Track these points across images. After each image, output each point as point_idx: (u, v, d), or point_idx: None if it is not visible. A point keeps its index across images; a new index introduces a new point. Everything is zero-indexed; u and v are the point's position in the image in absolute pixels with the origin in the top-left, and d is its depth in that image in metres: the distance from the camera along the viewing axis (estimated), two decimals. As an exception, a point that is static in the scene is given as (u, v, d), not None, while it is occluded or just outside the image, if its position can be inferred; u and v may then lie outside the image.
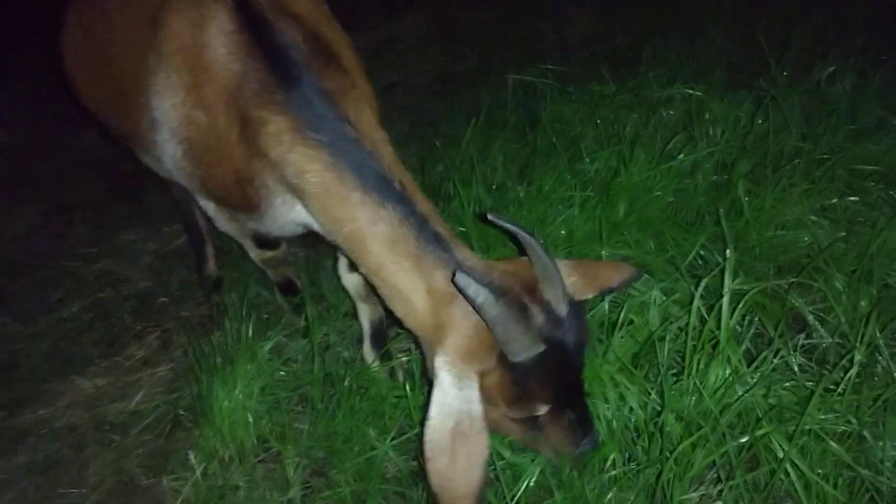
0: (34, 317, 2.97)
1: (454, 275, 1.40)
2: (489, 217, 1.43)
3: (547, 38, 4.16)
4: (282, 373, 2.34)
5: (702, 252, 2.19)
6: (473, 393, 1.47)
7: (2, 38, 5.43)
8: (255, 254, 2.39)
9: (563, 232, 2.37)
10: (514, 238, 1.74)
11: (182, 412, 2.35)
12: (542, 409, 1.59)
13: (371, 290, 2.32)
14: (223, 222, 2.17)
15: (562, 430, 1.65)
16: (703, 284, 1.81)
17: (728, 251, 1.80)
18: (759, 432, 1.65)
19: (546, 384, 1.54)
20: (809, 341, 1.99)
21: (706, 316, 1.85)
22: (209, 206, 2.13)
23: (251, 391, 2.22)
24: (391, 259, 1.59)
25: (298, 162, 1.61)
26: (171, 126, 1.84)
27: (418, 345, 1.85)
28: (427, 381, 1.78)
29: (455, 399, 1.46)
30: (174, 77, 1.77)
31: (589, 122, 2.73)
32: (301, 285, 2.64)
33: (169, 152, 1.91)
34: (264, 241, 2.28)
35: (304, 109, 1.61)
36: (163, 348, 2.70)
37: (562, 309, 1.51)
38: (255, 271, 2.74)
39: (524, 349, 1.46)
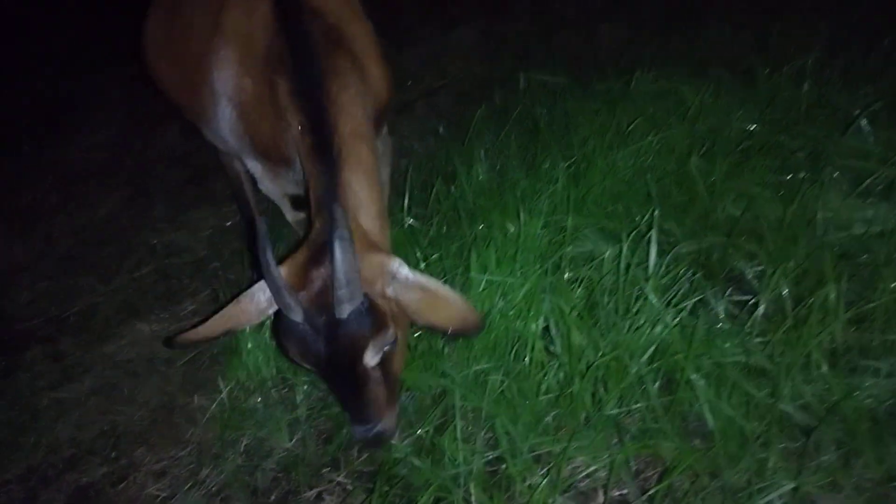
0: (112, 277, 3.51)
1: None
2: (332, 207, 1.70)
3: (578, 48, 4.47)
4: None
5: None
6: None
7: (99, 52, 6.13)
8: (290, 215, 2.79)
9: (547, 204, 2.68)
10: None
11: (217, 350, 2.79)
12: (301, 364, 1.88)
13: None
14: (267, 182, 2.55)
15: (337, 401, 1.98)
16: (628, 240, 2.10)
17: (655, 212, 2.08)
18: (658, 362, 1.94)
19: (293, 347, 1.80)
20: (747, 297, 2.24)
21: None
22: (257, 168, 2.51)
23: (274, 334, 2.64)
24: (311, 204, 1.94)
25: (291, 117, 1.99)
26: (227, 94, 2.26)
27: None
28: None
29: (259, 286, 1.84)
30: (230, 53, 2.21)
31: (584, 114, 3.04)
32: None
33: (226, 117, 2.32)
34: (299, 203, 2.69)
35: (302, 79, 1.98)
36: (211, 302, 3.15)
37: (340, 310, 1.69)
38: (288, 239, 3.19)
39: (280, 306, 1.74)
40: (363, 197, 1.92)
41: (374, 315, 1.76)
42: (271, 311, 1.87)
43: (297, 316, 1.73)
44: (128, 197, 4.28)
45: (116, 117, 5.35)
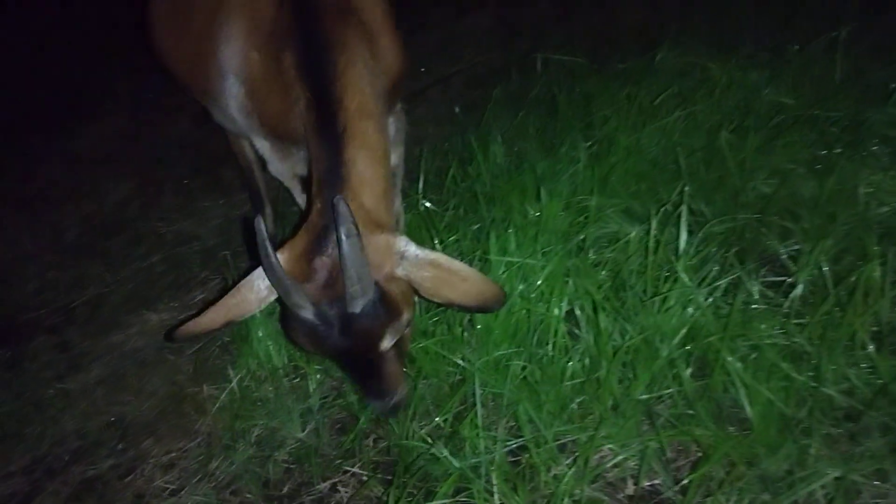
0: (120, 267, 3.43)
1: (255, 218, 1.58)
2: (334, 201, 1.54)
3: (596, 31, 4.35)
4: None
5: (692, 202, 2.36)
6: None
7: (109, 44, 6.07)
8: (300, 199, 2.69)
9: (567, 185, 2.58)
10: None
11: (227, 339, 2.70)
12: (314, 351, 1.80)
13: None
14: (277, 163, 2.46)
15: (350, 379, 1.91)
16: (657, 217, 1.98)
17: (686, 187, 1.97)
18: (690, 345, 1.82)
19: (305, 340, 1.74)
20: (781, 278, 2.13)
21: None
22: (265, 147, 2.43)
23: (286, 322, 2.54)
24: (313, 183, 1.85)
25: (296, 92, 1.90)
26: (234, 69, 2.17)
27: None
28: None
29: (258, 274, 1.73)
30: (236, 26, 2.12)
31: (606, 94, 2.93)
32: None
33: (234, 94, 2.22)
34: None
35: (307, 52, 1.90)
36: (221, 291, 3.04)
37: (353, 305, 1.63)
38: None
39: (289, 304, 1.66)
40: (368, 176, 1.82)
41: (387, 304, 1.70)
42: (272, 299, 1.78)
43: (307, 313, 1.67)
44: (136, 186, 4.20)
45: (125, 107, 5.30)
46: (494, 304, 1.74)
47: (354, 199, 1.74)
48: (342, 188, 1.76)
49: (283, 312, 1.77)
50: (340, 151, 1.79)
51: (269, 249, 1.54)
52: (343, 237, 1.52)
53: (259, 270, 1.74)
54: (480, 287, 1.72)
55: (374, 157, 1.85)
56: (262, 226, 1.55)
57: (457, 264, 1.75)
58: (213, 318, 1.76)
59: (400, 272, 1.74)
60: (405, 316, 1.77)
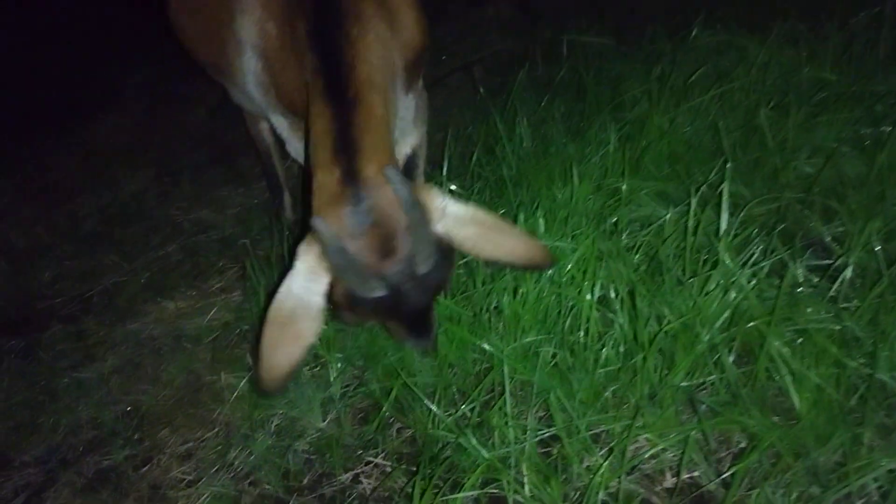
0: (137, 255, 3.36)
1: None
2: (385, 171, 1.52)
3: (623, 16, 4.24)
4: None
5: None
6: (318, 287, 1.60)
7: (125, 36, 6.04)
8: None
9: (597, 167, 2.48)
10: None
11: (246, 327, 2.62)
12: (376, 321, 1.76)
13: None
14: (295, 142, 2.38)
15: (394, 329, 1.85)
16: (696, 195, 1.88)
17: (728, 164, 1.87)
18: (732, 329, 1.72)
19: (379, 315, 1.70)
20: (826, 261, 2.02)
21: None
22: (283, 125, 2.35)
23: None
24: (319, 153, 1.72)
25: (308, 58, 1.81)
26: (251, 42, 2.10)
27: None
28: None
29: (300, 288, 1.60)
30: None
31: (635, 75, 2.83)
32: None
33: (251, 69, 2.16)
34: None
35: (320, 19, 1.82)
36: (239, 279, 2.99)
37: (421, 266, 1.60)
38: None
39: (361, 291, 1.59)
40: (379, 140, 1.73)
41: (445, 252, 1.65)
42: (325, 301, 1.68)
43: (379, 292, 1.61)
44: (153, 176, 4.14)
45: (139, 99, 5.25)
46: (544, 262, 1.70)
47: (375, 161, 1.66)
48: (358, 152, 1.67)
49: (340, 301, 1.66)
50: (352, 117, 1.71)
51: (346, 247, 1.51)
52: (408, 205, 1.50)
53: (293, 286, 1.62)
54: (527, 244, 1.69)
55: (380, 127, 1.77)
56: (324, 224, 1.49)
57: (500, 221, 1.70)
58: (288, 353, 1.62)
59: (440, 229, 1.66)
60: (456, 256, 1.73)
